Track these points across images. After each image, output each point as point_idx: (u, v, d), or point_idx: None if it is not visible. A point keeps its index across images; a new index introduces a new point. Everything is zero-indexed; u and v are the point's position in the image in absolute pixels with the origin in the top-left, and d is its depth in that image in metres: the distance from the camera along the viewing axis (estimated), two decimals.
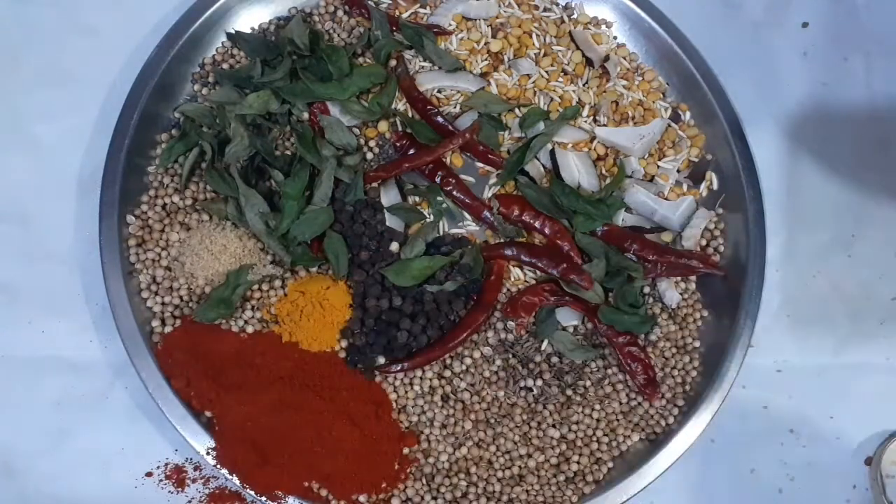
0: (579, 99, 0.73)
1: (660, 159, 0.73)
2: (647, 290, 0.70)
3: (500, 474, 0.64)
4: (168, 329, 0.63)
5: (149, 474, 0.64)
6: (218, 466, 0.60)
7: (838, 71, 0.80)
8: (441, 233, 0.70)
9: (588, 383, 0.67)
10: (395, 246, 0.67)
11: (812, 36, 0.81)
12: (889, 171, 0.78)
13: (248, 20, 0.73)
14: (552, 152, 0.71)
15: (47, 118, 0.70)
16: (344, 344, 0.65)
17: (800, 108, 0.79)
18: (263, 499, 0.60)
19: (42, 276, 0.67)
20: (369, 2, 0.75)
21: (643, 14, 0.76)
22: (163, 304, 0.64)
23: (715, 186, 0.74)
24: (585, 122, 0.73)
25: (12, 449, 0.64)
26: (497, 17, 0.76)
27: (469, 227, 0.71)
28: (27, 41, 0.72)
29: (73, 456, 0.64)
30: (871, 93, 0.79)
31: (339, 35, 0.73)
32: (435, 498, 0.63)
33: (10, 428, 0.65)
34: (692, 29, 0.76)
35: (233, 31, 0.72)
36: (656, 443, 0.66)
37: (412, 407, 0.64)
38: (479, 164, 0.72)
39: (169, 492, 0.64)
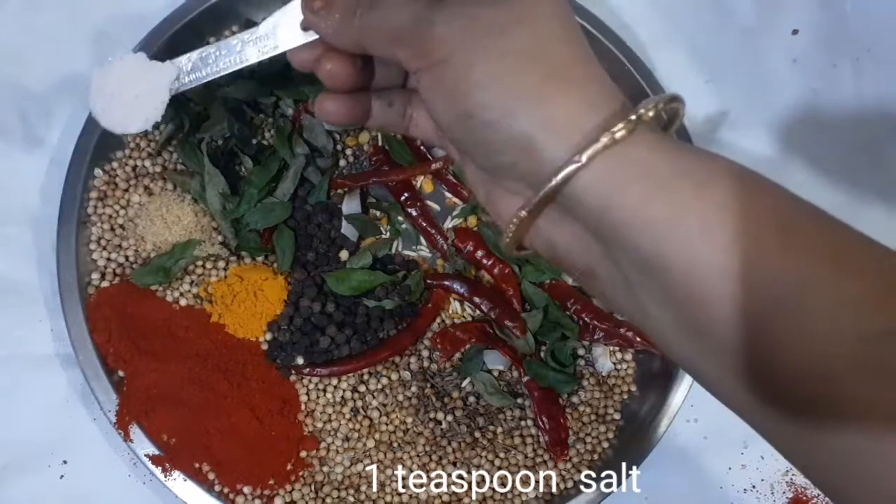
0: None
1: None
2: (581, 352, 0.70)
3: (388, 498, 0.64)
4: (105, 284, 0.65)
5: None
6: (117, 429, 0.61)
7: (828, 76, 0.81)
8: (393, 251, 0.71)
9: (499, 430, 0.67)
10: (344, 254, 0.68)
11: (802, 42, 0.81)
12: (878, 173, 0.79)
13: (267, 9, 0.75)
14: None
15: (54, 122, 0.71)
16: (269, 337, 0.65)
17: (790, 112, 0.80)
18: (163, 476, 0.61)
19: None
20: None
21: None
22: (108, 259, 0.66)
23: None
24: None
25: None
26: None
27: (422, 252, 0.72)
28: (35, 46, 0.72)
29: None
30: (860, 97, 0.80)
31: None
32: None
33: None
34: (686, 35, 0.79)
35: (246, 19, 0.74)
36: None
37: (320, 413, 0.65)
38: (448, 195, 0.73)
39: None
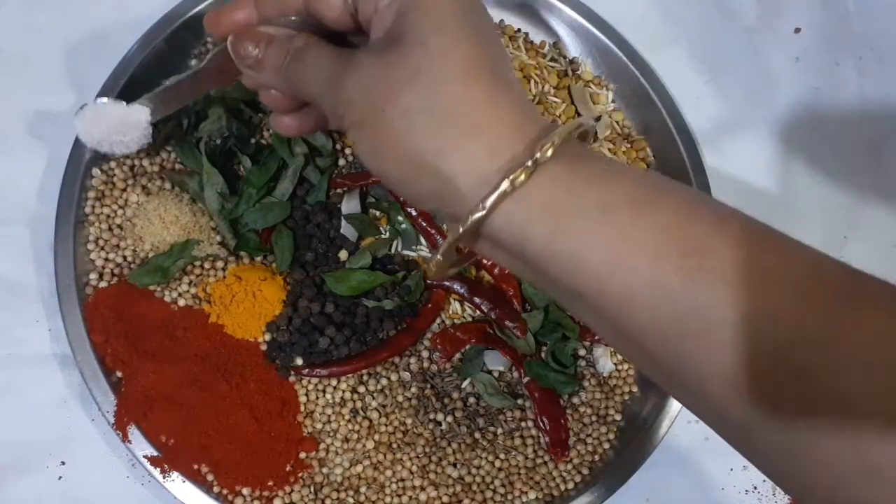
0: None
1: None
2: (582, 352, 0.70)
3: (388, 500, 0.64)
4: (103, 285, 0.64)
5: None
6: (116, 429, 0.61)
7: (830, 75, 0.81)
8: (393, 251, 0.70)
9: (499, 430, 0.66)
10: (343, 254, 0.68)
11: (805, 41, 0.81)
12: (880, 172, 0.79)
13: None
14: None
15: (52, 122, 0.70)
16: (268, 337, 0.65)
17: (792, 111, 0.80)
18: (157, 471, 0.61)
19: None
20: None
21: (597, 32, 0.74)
22: (106, 259, 0.65)
23: None
24: None
25: None
26: None
27: (422, 252, 0.71)
28: (35, 46, 0.72)
29: None
30: (862, 96, 0.80)
31: None
32: None
33: None
34: (687, 34, 0.78)
35: None
36: None
37: (319, 414, 0.65)
38: None
39: None
